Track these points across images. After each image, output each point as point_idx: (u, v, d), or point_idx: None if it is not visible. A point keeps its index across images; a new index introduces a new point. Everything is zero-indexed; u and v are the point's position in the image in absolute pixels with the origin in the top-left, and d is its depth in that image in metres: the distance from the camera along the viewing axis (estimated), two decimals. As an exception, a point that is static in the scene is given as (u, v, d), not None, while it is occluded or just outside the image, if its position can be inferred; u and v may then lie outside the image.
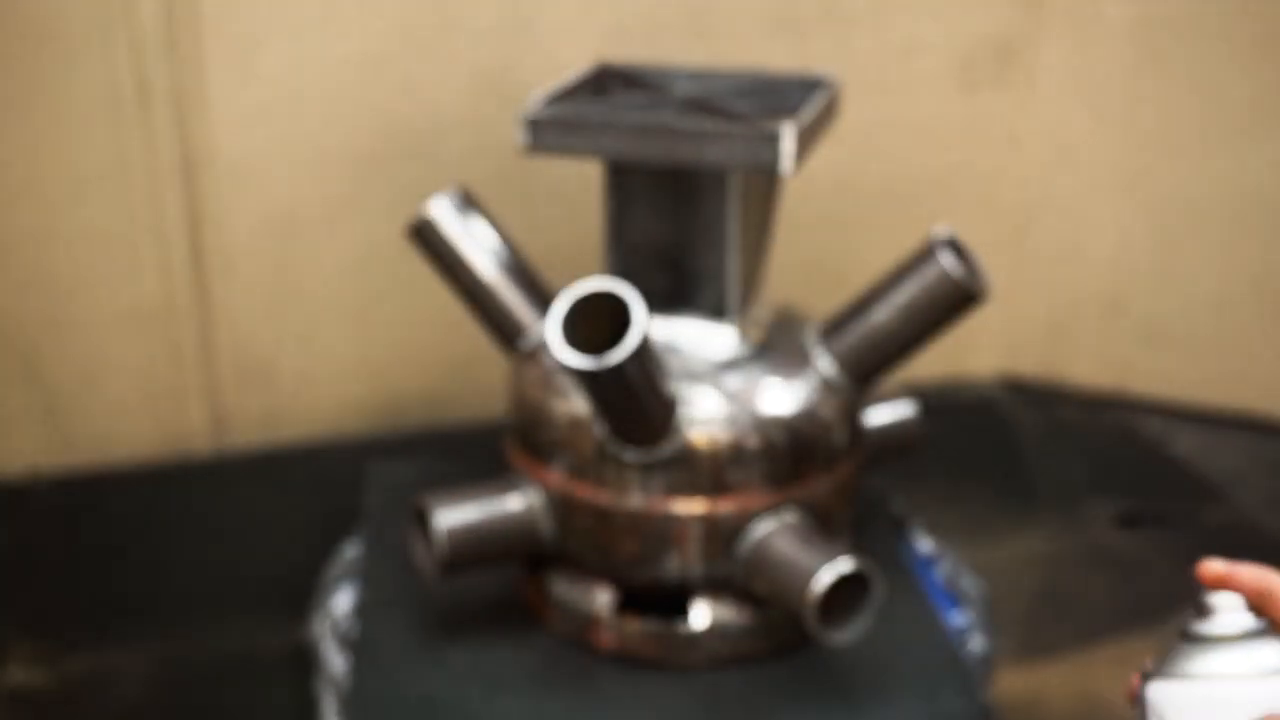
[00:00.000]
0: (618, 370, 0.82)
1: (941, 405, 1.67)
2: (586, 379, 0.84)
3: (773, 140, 0.91)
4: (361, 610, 1.05)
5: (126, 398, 1.47)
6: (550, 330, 0.83)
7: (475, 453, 1.49)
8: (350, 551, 1.16)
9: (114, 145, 1.38)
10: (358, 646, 1.01)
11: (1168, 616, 1.23)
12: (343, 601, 1.08)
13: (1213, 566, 0.72)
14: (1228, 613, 0.69)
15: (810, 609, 0.87)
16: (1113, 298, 1.68)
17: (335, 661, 1.02)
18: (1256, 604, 0.70)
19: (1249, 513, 1.41)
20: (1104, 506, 1.41)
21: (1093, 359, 1.71)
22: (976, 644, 1.07)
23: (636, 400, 0.87)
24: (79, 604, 1.23)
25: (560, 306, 0.83)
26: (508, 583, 1.07)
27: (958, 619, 1.08)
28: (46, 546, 1.33)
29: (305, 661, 1.09)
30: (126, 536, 1.35)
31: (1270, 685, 0.66)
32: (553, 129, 0.96)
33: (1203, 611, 0.70)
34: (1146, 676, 0.69)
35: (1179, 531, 1.38)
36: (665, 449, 0.92)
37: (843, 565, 0.87)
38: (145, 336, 1.46)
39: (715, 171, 0.96)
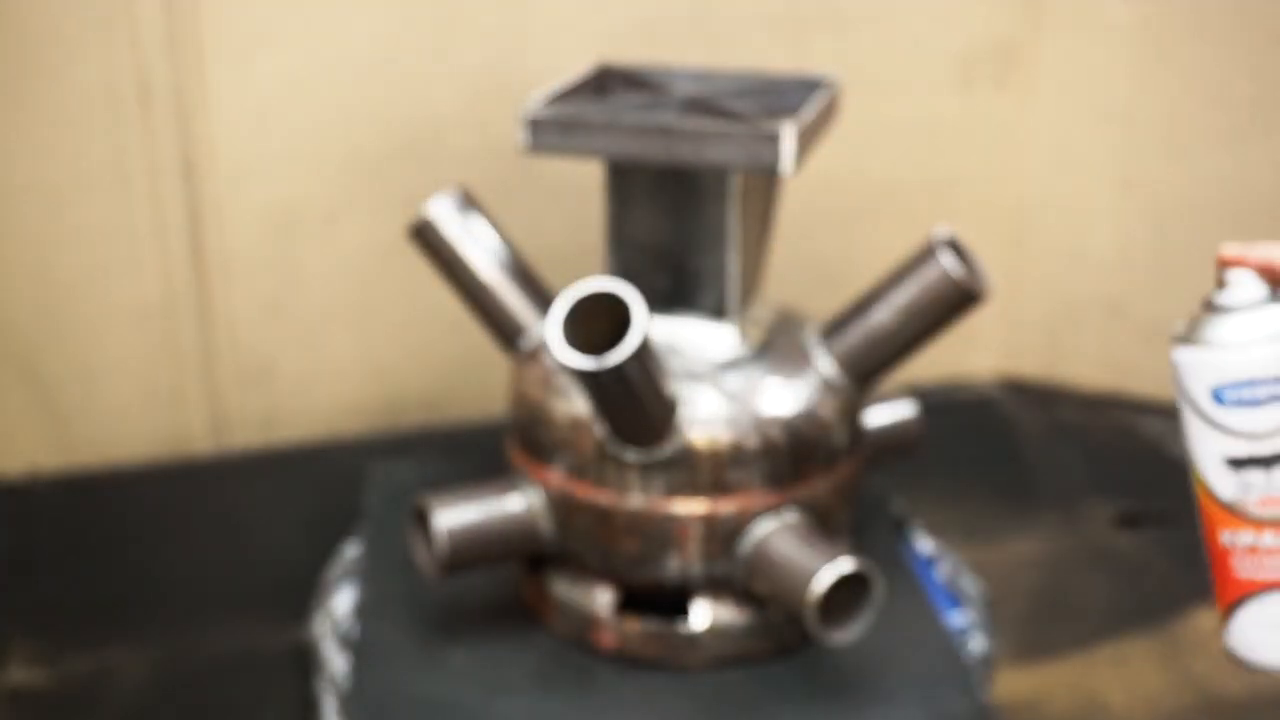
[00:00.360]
0: (618, 370, 0.82)
1: (941, 405, 1.67)
2: (586, 379, 0.84)
3: (773, 140, 0.91)
4: (361, 610, 1.05)
5: (127, 397, 1.47)
6: (550, 330, 0.83)
7: (475, 453, 1.50)
8: (351, 551, 1.16)
9: (115, 145, 1.38)
10: (358, 646, 1.01)
11: (1167, 616, 1.23)
12: (343, 602, 1.08)
13: (1229, 247, 0.78)
14: (1240, 286, 0.76)
15: (810, 609, 0.87)
16: (1112, 298, 1.68)
17: (335, 661, 1.02)
18: (1270, 279, 0.76)
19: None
20: (1103, 506, 1.41)
21: (1092, 359, 1.71)
22: (976, 644, 1.07)
23: (637, 400, 0.87)
24: (79, 604, 1.23)
25: (560, 307, 0.83)
26: (508, 583, 1.07)
27: (958, 619, 1.08)
28: (47, 546, 1.33)
29: (306, 661, 1.10)
30: (127, 536, 1.35)
31: (1276, 347, 0.74)
32: (553, 129, 0.96)
33: (1221, 285, 0.77)
34: (1175, 342, 0.77)
35: (1178, 531, 1.38)
36: (665, 449, 0.92)
37: (843, 565, 0.87)
38: (146, 336, 1.46)
39: (715, 171, 0.96)
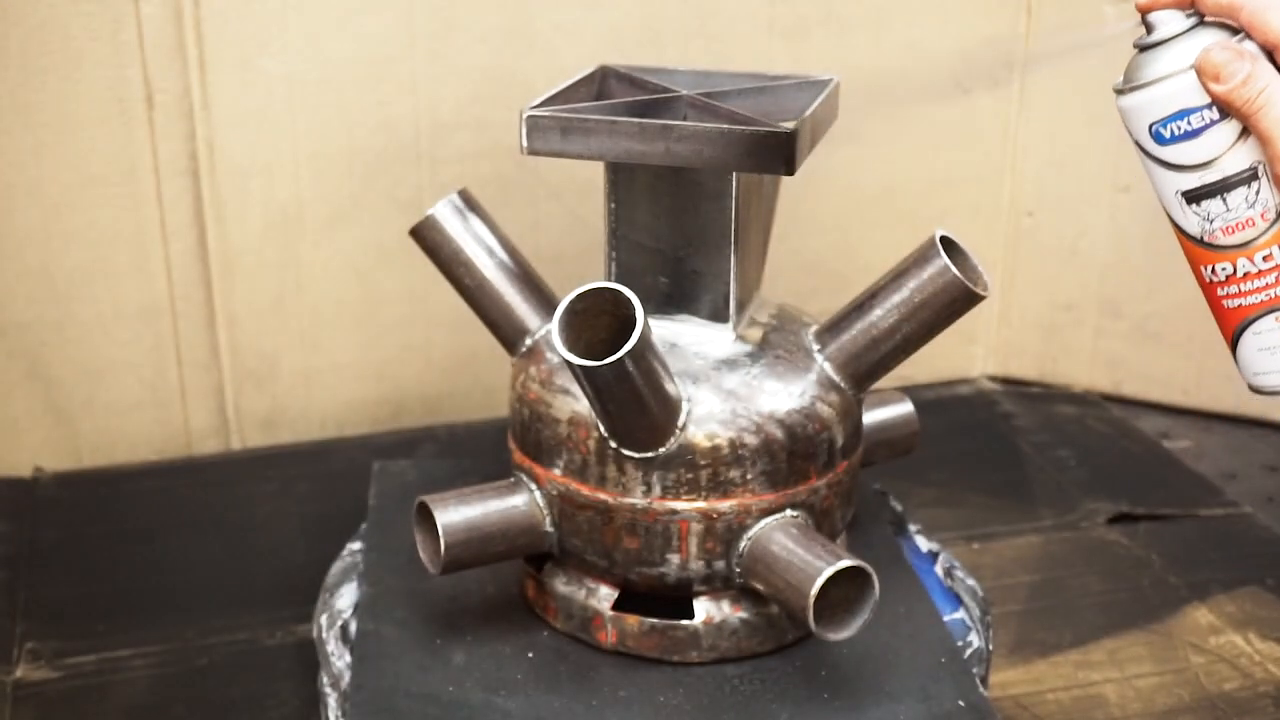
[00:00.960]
0: (618, 368, 0.83)
1: (939, 405, 1.68)
2: (587, 377, 0.85)
3: (773, 140, 0.91)
4: (362, 608, 1.05)
5: (131, 397, 1.48)
6: (553, 330, 0.84)
7: (477, 453, 1.50)
8: (354, 550, 1.16)
9: (120, 147, 1.39)
10: (358, 644, 1.01)
11: (1164, 614, 1.23)
12: (345, 599, 1.09)
13: None
14: (1162, 23, 0.78)
15: (808, 607, 0.87)
16: (1108, 298, 1.69)
17: (338, 659, 1.03)
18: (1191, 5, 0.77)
19: (1244, 511, 1.42)
20: (1101, 505, 1.42)
21: (1089, 359, 1.72)
22: (974, 643, 1.08)
23: (638, 399, 0.88)
24: (84, 602, 1.24)
25: (563, 306, 0.84)
26: (508, 580, 1.08)
27: (956, 617, 1.09)
28: (51, 545, 1.33)
29: (309, 658, 1.10)
30: (131, 535, 1.35)
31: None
32: (553, 130, 0.96)
33: (1146, 27, 0.79)
34: (1117, 93, 0.79)
35: (1175, 529, 1.39)
36: (666, 449, 0.93)
37: (841, 564, 0.88)
38: (150, 336, 1.46)
39: (716, 171, 0.96)
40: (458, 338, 1.53)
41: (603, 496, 0.96)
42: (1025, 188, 1.68)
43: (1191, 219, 0.79)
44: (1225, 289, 0.79)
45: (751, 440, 0.94)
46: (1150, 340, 1.68)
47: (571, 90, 1.05)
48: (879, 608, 0.91)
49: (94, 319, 1.44)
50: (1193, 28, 0.77)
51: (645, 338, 0.84)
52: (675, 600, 0.99)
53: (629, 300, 0.84)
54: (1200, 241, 0.79)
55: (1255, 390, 0.80)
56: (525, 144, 0.97)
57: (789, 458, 0.96)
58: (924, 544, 1.19)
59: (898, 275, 0.97)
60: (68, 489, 1.44)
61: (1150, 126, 0.78)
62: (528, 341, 1.05)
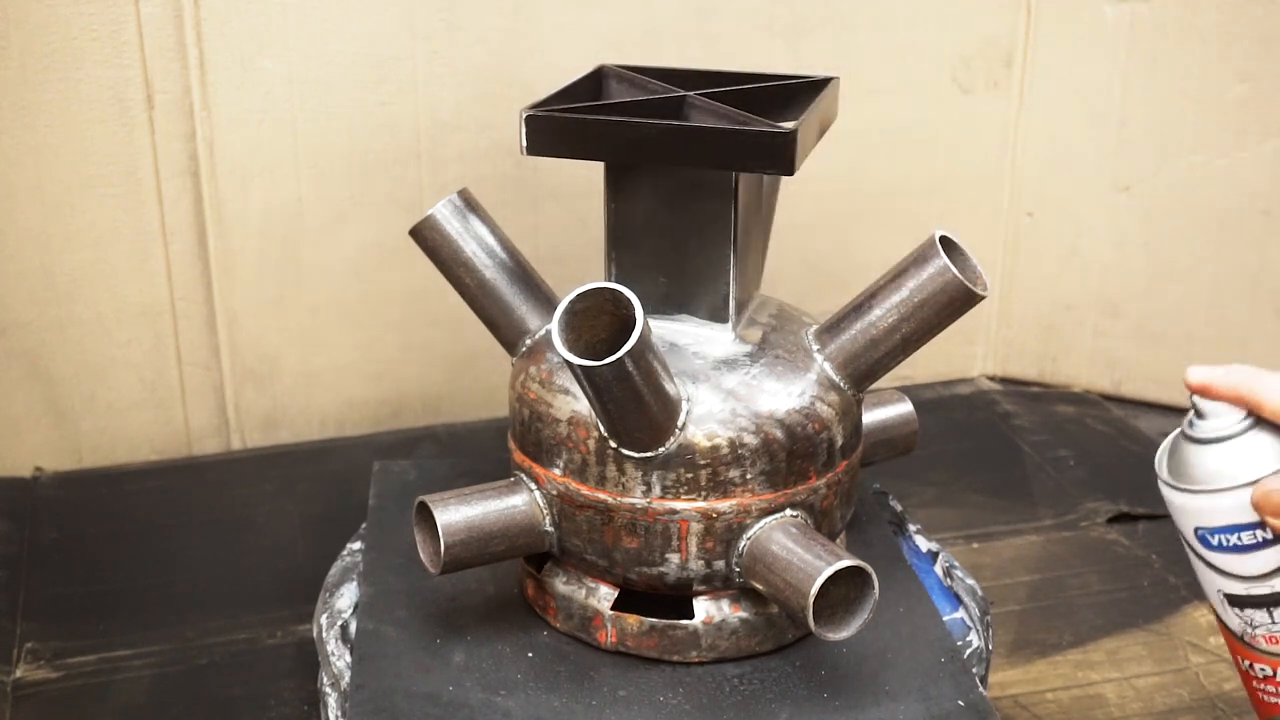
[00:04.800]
0: (618, 368, 0.83)
1: (939, 405, 1.68)
2: (587, 377, 0.85)
3: (774, 140, 0.91)
4: (362, 608, 1.05)
5: (131, 397, 1.48)
6: (553, 330, 0.84)
7: (476, 453, 1.50)
8: (354, 550, 1.16)
9: (120, 147, 1.39)
10: (357, 644, 1.01)
11: (1163, 614, 1.24)
12: (346, 600, 1.09)
13: (1194, 374, 0.73)
14: (1214, 416, 0.72)
15: (808, 607, 0.87)
16: (1108, 298, 1.69)
17: (338, 659, 1.03)
18: (1240, 405, 0.71)
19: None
20: (1100, 505, 1.42)
21: (1089, 359, 1.72)
22: (974, 642, 1.08)
23: (638, 399, 0.88)
24: (84, 602, 1.24)
25: (563, 306, 0.84)
26: (508, 580, 1.08)
27: (956, 618, 1.09)
28: (51, 545, 1.33)
29: (309, 658, 1.10)
30: (131, 534, 1.35)
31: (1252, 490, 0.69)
32: (552, 131, 0.96)
33: (1196, 412, 0.73)
34: (1163, 484, 0.73)
35: (1175, 530, 1.39)
36: (666, 448, 0.93)
37: (840, 564, 0.88)
38: (150, 336, 1.47)
39: (717, 171, 0.96)
40: (458, 338, 1.54)
41: (602, 496, 0.96)
42: (1025, 188, 1.69)
43: (1234, 619, 0.74)
44: (1263, 686, 0.74)
45: (751, 440, 0.94)
46: (1150, 340, 1.68)
47: (571, 90, 1.05)
48: (879, 607, 0.91)
49: (94, 319, 1.44)
50: (1248, 429, 0.71)
51: (645, 338, 0.84)
52: (675, 600, 0.99)
53: (629, 300, 0.84)
54: (1241, 640, 0.74)
55: None
56: (525, 145, 0.97)
57: (789, 457, 0.96)
58: (924, 544, 1.19)
59: (897, 275, 0.97)
60: (68, 489, 1.45)
61: (1197, 530, 0.74)
62: (527, 341, 1.05)
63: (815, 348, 1.00)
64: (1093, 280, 1.69)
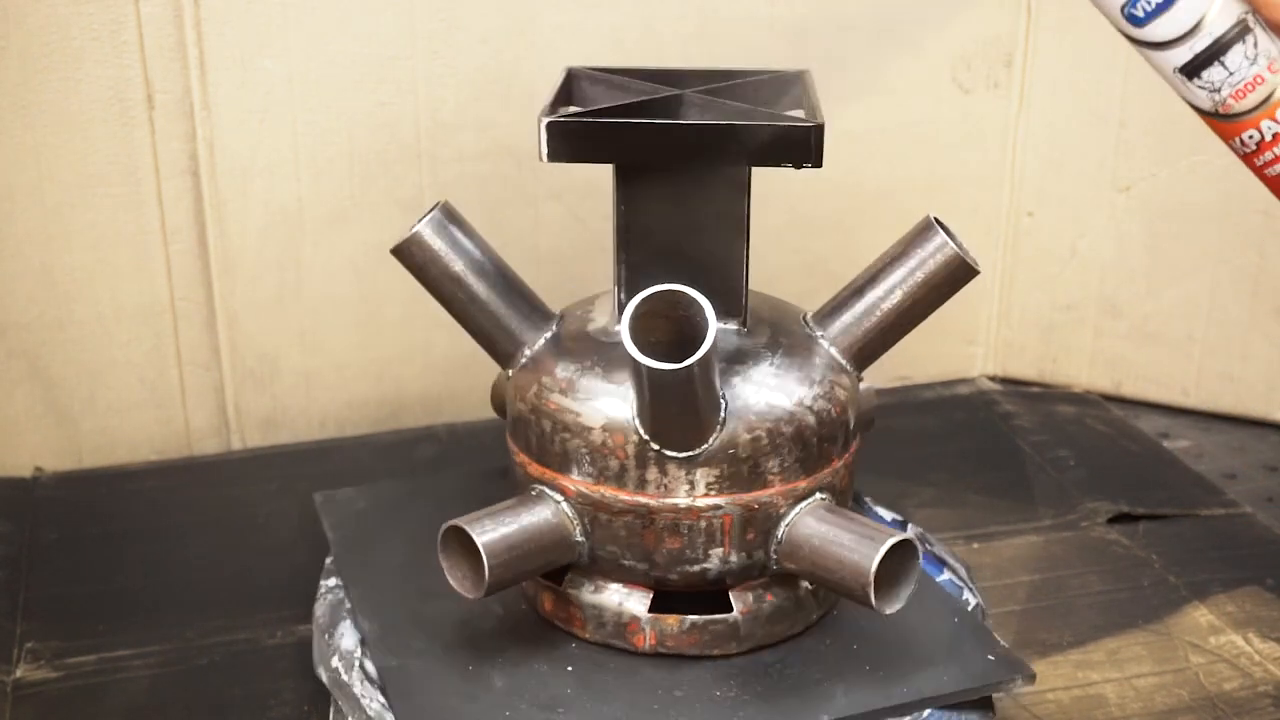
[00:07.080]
0: (687, 372, 0.84)
1: (939, 405, 1.68)
2: (652, 380, 0.85)
3: (808, 134, 0.93)
4: (373, 645, 1.01)
5: (131, 397, 1.48)
6: (624, 334, 0.84)
7: (477, 452, 1.50)
8: (330, 586, 1.12)
9: (120, 147, 1.39)
10: (389, 683, 0.97)
11: (1165, 614, 1.24)
12: (349, 640, 1.04)
13: None
14: None
15: (869, 584, 0.89)
16: (1108, 298, 1.69)
17: (370, 701, 0.96)
18: None
19: (1244, 511, 1.42)
20: (1100, 505, 1.42)
21: (1089, 359, 1.72)
22: (971, 600, 1.10)
23: (693, 401, 0.89)
24: (84, 602, 1.24)
25: (631, 309, 0.84)
26: (510, 598, 1.05)
27: (945, 580, 1.11)
28: (51, 545, 1.33)
29: (309, 658, 1.10)
30: (131, 535, 1.35)
31: None
32: (576, 136, 0.94)
33: None
34: None
35: (1175, 530, 1.39)
36: (708, 446, 0.93)
37: (893, 539, 0.90)
38: (150, 336, 1.47)
39: (736, 167, 0.96)
40: (458, 338, 1.52)
41: (643, 500, 0.95)
42: (1025, 188, 1.69)
43: (1200, 94, 0.74)
44: (1262, 158, 0.74)
45: (787, 429, 0.96)
46: (1150, 340, 1.68)
47: (561, 98, 1.04)
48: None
49: (94, 319, 1.44)
50: None
51: (715, 342, 0.85)
52: (705, 596, 0.99)
53: (694, 301, 0.85)
54: (1217, 115, 0.74)
55: None
56: (545, 152, 0.95)
57: (818, 442, 0.97)
58: (885, 513, 1.21)
59: (895, 256, 1.01)
60: (68, 489, 1.45)
61: (1122, 9, 0.75)
62: (527, 353, 1.03)
63: (819, 333, 1.02)
64: (1093, 280, 1.69)
